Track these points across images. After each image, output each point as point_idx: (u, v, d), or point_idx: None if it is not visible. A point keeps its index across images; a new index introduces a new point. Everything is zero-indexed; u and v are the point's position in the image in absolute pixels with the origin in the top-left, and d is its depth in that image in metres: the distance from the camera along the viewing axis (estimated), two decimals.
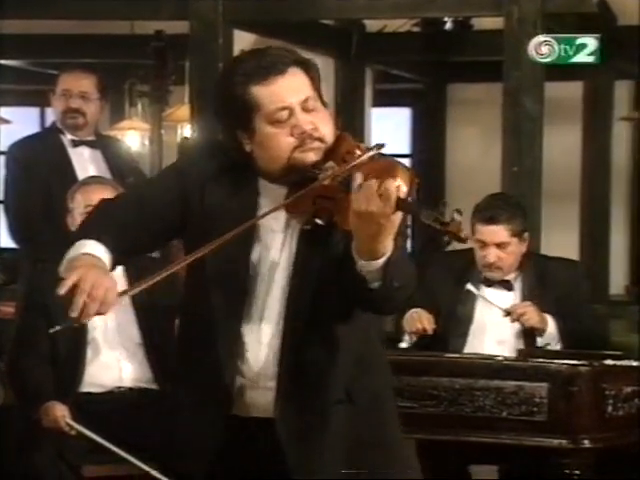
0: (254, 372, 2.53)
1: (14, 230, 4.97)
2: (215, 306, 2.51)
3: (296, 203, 2.44)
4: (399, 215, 2.30)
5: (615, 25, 7.40)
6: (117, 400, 4.15)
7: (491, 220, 4.23)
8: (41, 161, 4.89)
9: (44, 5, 6.25)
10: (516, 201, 4.50)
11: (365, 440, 2.57)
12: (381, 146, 2.42)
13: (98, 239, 2.44)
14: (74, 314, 2.33)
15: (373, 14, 6.47)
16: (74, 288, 2.32)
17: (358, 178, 2.32)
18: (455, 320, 4.31)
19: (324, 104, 2.51)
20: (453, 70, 9.01)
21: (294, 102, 2.44)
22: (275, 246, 2.52)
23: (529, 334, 4.22)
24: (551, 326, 4.18)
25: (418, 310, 4.27)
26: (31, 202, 4.83)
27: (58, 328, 2.41)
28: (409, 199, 2.30)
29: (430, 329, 4.25)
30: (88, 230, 2.50)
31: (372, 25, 7.88)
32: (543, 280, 4.29)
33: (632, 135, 8.62)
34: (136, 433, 3.98)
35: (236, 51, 6.54)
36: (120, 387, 4.18)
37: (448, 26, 8.04)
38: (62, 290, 2.32)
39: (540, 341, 4.19)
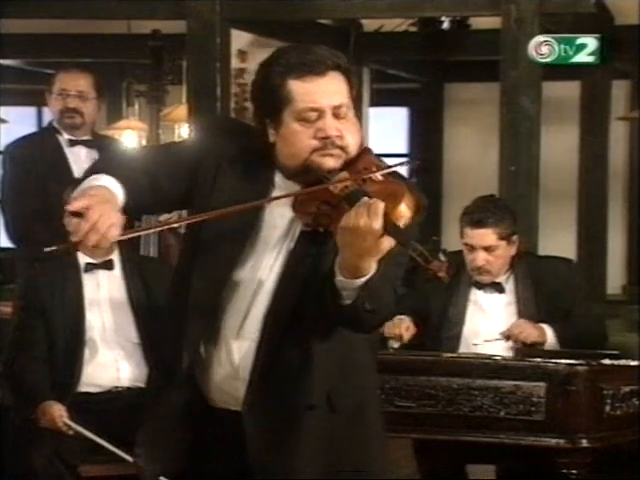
0: (236, 364, 2.52)
1: (11, 230, 4.97)
2: (193, 297, 2.51)
3: (303, 203, 2.43)
4: (388, 240, 2.27)
5: (612, 25, 7.41)
6: (115, 400, 4.16)
7: (479, 224, 4.21)
8: (38, 161, 4.88)
9: (41, 4, 6.24)
10: (505, 204, 4.47)
11: (343, 450, 2.55)
12: (401, 164, 2.44)
13: (114, 176, 2.41)
14: (75, 238, 2.31)
15: (370, 14, 6.46)
16: (81, 213, 2.29)
17: (365, 199, 2.29)
18: (447, 322, 4.30)
19: (357, 115, 2.50)
20: (450, 70, 9.01)
21: (326, 105, 2.44)
22: (272, 242, 2.52)
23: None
24: (550, 336, 4.18)
25: (402, 317, 4.28)
26: (28, 202, 4.82)
27: (54, 248, 2.36)
28: (401, 225, 2.27)
29: (406, 338, 4.26)
30: (106, 166, 2.46)
31: (369, 24, 7.88)
32: (534, 280, 4.27)
33: (629, 135, 8.62)
34: (133, 433, 3.97)
35: (233, 51, 6.55)
36: (118, 387, 4.19)
37: (445, 26, 8.03)
38: (71, 207, 2.30)
39: None
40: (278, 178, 2.52)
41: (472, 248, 4.23)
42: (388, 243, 2.28)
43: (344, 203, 2.36)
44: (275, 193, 2.51)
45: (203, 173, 2.51)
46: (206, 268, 2.51)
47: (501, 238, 4.21)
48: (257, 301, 2.51)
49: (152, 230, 2.45)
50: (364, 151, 2.49)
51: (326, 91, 2.44)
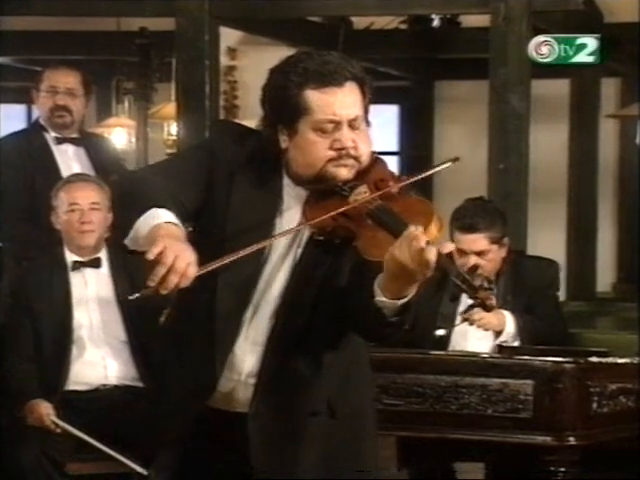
0: (242, 368, 2.53)
1: None
2: (221, 300, 2.50)
3: (316, 213, 2.43)
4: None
5: (602, 22, 7.42)
6: (102, 398, 4.15)
7: (470, 229, 4.18)
8: (25, 159, 4.86)
9: (31, 2, 6.22)
10: (494, 207, 4.45)
11: (341, 454, 2.57)
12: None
13: (166, 207, 2.37)
14: (153, 283, 2.26)
15: (360, 11, 6.47)
16: (158, 257, 2.26)
17: (409, 228, 2.28)
18: (436, 322, 4.29)
19: (368, 124, 2.51)
20: (441, 67, 9.01)
21: (344, 117, 2.44)
22: (280, 250, 2.51)
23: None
24: (510, 325, 4.16)
25: None
26: (15, 200, 4.81)
27: (137, 295, 2.31)
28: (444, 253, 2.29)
29: None
30: (151, 197, 2.40)
31: (359, 22, 7.88)
32: (518, 279, 4.27)
33: (619, 133, 8.62)
34: (121, 431, 3.98)
35: (223, 48, 6.55)
36: (105, 385, 4.18)
37: (435, 23, 8.03)
38: (150, 255, 2.26)
39: (498, 340, 4.17)
40: (286, 183, 2.52)
41: (463, 253, 4.20)
42: (432, 271, 2.29)
43: (367, 218, 2.37)
44: (285, 199, 2.51)
45: (217, 184, 2.50)
46: (231, 277, 2.48)
47: (492, 242, 4.20)
48: (263, 306, 2.52)
49: (227, 261, 2.40)
50: (376, 161, 2.51)
51: (344, 102, 2.44)
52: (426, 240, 2.26)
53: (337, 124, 2.44)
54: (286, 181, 2.52)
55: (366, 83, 2.49)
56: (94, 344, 4.19)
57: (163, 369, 2.68)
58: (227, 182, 2.50)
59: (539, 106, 6.38)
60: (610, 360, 3.97)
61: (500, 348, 4.14)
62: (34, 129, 5.05)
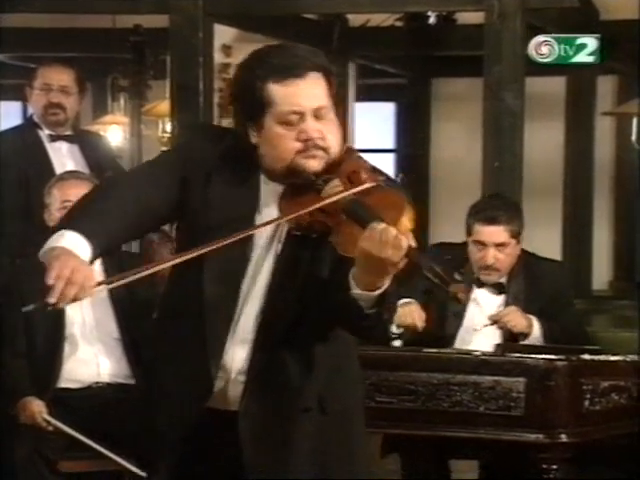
0: (231, 366, 2.53)
1: None
2: (208, 301, 2.51)
3: (293, 208, 2.43)
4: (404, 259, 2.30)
5: (598, 20, 7.41)
6: (95, 396, 4.14)
7: (492, 221, 4.20)
8: (19, 156, 4.86)
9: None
10: (513, 202, 4.51)
11: (332, 450, 2.57)
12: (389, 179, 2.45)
13: (81, 231, 2.40)
14: (53, 299, 2.32)
15: (355, 8, 6.46)
16: (55, 274, 2.31)
17: (376, 222, 2.30)
18: (445, 320, 4.29)
19: (337, 114, 2.50)
20: (437, 65, 9.00)
21: (307, 107, 2.44)
22: (261, 245, 2.52)
23: (512, 337, 4.20)
24: (536, 329, 4.18)
25: (410, 301, 4.19)
26: (8, 197, 4.80)
27: (31, 307, 2.38)
28: (415, 244, 2.29)
29: (420, 326, 4.19)
30: (72, 219, 2.47)
31: (355, 19, 7.87)
32: (533, 282, 4.27)
33: (615, 130, 8.62)
34: (113, 428, 3.97)
35: (218, 46, 6.54)
36: (98, 382, 4.17)
37: (431, 20, 8.02)
38: (50, 280, 2.31)
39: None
40: (263, 179, 2.52)
41: (483, 245, 4.21)
42: (403, 261, 2.30)
43: (342, 213, 2.37)
44: (262, 196, 2.51)
45: (193, 185, 2.51)
46: (216, 276, 2.50)
47: (512, 236, 4.21)
48: (248, 303, 2.52)
49: (142, 274, 2.43)
50: (348, 152, 2.50)
51: (307, 93, 2.45)
52: (395, 232, 2.26)
53: (301, 115, 2.44)
54: (262, 178, 2.52)
55: (332, 74, 2.49)
56: (87, 341, 4.18)
57: (157, 368, 2.68)
58: (204, 182, 2.51)
59: (535, 104, 6.37)
60: (602, 358, 3.97)
61: (496, 346, 4.15)
62: (28, 126, 5.04)
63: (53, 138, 4.91)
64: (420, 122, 9.38)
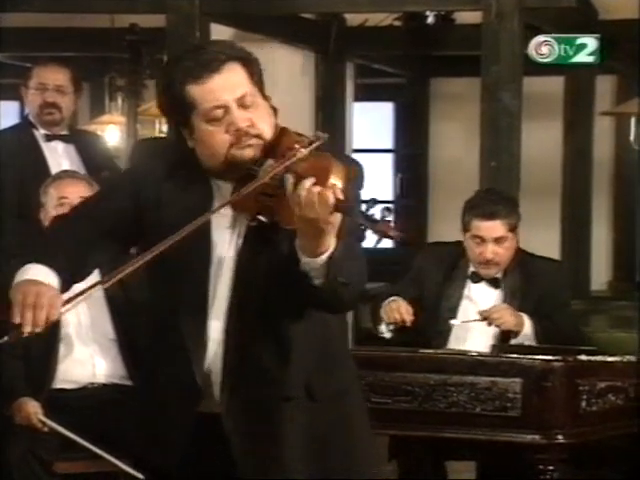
0: (206, 367, 2.52)
1: None
2: (176, 304, 2.53)
3: (240, 201, 2.44)
4: (338, 215, 2.31)
5: (596, 20, 7.40)
6: (90, 396, 4.14)
7: (491, 216, 4.20)
8: (14, 156, 4.85)
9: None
10: (509, 195, 4.51)
11: (327, 437, 2.55)
12: (319, 138, 2.42)
13: (45, 263, 2.47)
14: (27, 329, 2.38)
15: (353, 8, 6.45)
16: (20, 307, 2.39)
17: (290, 178, 2.34)
18: (438, 316, 4.28)
19: (266, 98, 2.51)
20: (435, 64, 9.00)
21: (229, 100, 2.45)
22: (223, 242, 2.52)
23: (505, 335, 4.20)
24: (527, 327, 4.16)
25: (397, 299, 4.24)
26: (4, 197, 4.79)
27: (5, 339, 2.43)
28: (344, 198, 2.30)
29: (408, 320, 4.20)
30: (37, 251, 2.53)
31: (353, 19, 7.86)
32: (528, 279, 4.27)
33: (614, 130, 8.61)
34: (109, 429, 3.96)
35: None
36: (93, 383, 4.17)
37: (430, 20, 8.01)
38: (17, 318, 2.38)
39: (513, 342, 4.17)
40: (213, 182, 2.53)
41: (481, 240, 4.21)
42: (338, 217, 2.31)
43: (281, 189, 2.37)
44: (215, 198, 2.52)
45: (145, 200, 2.53)
46: (182, 281, 2.52)
47: (510, 229, 4.22)
48: (216, 302, 2.52)
49: (95, 289, 2.49)
50: (282, 132, 2.49)
51: (225, 85, 2.46)
52: (318, 189, 2.27)
53: (225, 108, 2.45)
54: (212, 180, 2.53)
55: (250, 60, 2.50)
56: (82, 342, 4.17)
57: (149, 369, 2.68)
58: (156, 195, 2.53)
59: (533, 103, 6.37)
60: (599, 358, 3.97)
61: (493, 347, 4.14)
62: (23, 126, 5.04)
63: (49, 138, 4.90)
64: (418, 122, 9.38)
